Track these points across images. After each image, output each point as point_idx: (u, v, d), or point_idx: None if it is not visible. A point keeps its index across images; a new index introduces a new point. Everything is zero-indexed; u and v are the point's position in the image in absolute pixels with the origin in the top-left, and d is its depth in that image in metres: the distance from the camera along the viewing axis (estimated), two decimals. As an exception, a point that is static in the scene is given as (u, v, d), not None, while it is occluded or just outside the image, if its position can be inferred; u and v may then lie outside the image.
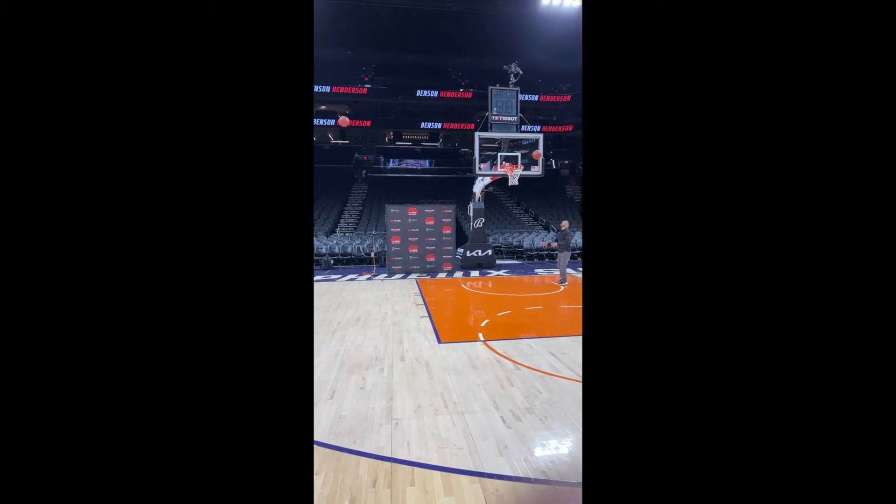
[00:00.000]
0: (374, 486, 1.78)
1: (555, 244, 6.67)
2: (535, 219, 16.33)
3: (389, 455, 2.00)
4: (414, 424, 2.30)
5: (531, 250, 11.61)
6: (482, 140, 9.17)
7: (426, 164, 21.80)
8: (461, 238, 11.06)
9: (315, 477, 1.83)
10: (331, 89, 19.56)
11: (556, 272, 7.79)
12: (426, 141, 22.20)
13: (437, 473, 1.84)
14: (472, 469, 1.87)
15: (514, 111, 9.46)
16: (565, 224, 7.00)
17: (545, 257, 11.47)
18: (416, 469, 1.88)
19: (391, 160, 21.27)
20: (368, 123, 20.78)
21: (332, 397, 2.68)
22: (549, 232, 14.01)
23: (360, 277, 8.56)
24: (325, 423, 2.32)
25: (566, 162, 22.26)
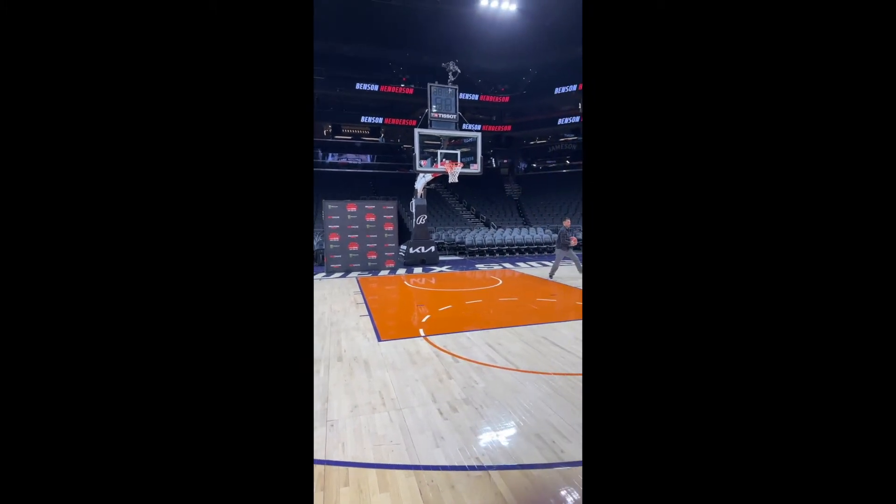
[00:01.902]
0: (305, 491, 1.71)
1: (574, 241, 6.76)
2: (477, 216, 16.75)
3: (323, 458, 1.94)
4: (350, 425, 2.25)
5: (473, 246, 11.89)
6: (423, 137, 9.17)
7: (368, 159, 21.31)
8: (404, 235, 10.99)
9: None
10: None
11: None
12: (367, 135, 21.66)
13: (373, 471, 1.82)
14: (409, 463, 1.88)
15: (454, 109, 9.59)
16: (567, 223, 7.18)
17: (486, 253, 11.81)
18: (351, 469, 1.85)
19: (330, 154, 20.47)
20: (305, 115, 19.74)
21: (261, 404, 2.53)
22: (489, 228, 14.44)
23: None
24: (253, 431, 2.18)
25: (505, 161, 23.07)
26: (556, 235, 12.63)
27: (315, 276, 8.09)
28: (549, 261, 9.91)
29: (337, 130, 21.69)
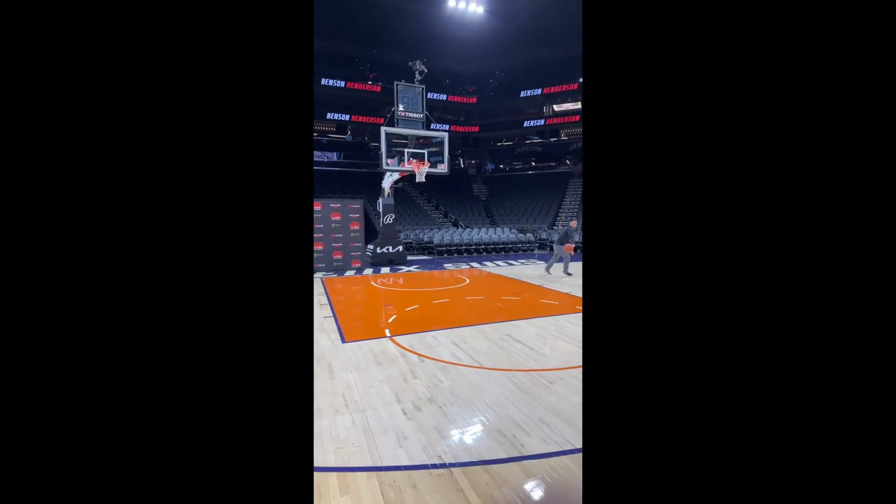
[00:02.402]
0: (261, 499, 1.65)
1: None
2: (445, 215, 16.81)
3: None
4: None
5: (441, 246, 11.93)
6: (390, 135, 9.09)
7: (334, 156, 20.83)
8: (371, 234, 10.84)
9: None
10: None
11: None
12: (333, 132, 21.18)
13: (333, 475, 1.79)
14: (370, 465, 1.86)
15: (421, 108, 9.57)
16: (574, 223, 7.34)
17: (454, 252, 11.88)
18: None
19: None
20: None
21: (215, 411, 2.41)
22: (457, 228, 14.53)
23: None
24: (206, 440, 2.07)
25: (473, 161, 23.31)
26: (521, 235, 12.89)
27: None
28: (515, 260, 10.11)
29: (301, 126, 20.97)
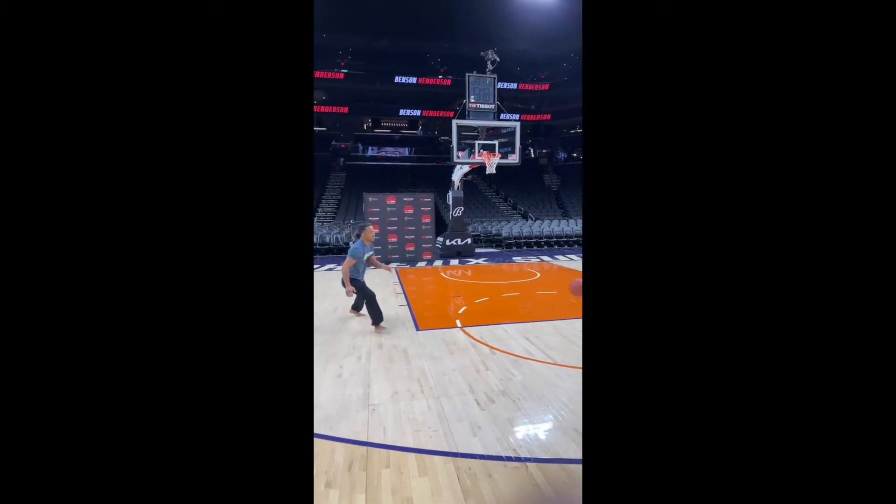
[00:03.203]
0: (349, 469, 1.80)
1: None
2: (514, 207, 16.49)
3: (365, 440, 2.03)
4: (390, 409, 2.33)
5: (510, 238, 11.75)
6: (460, 128, 9.13)
7: (405, 151, 21.56)
8: (441, 227, 11.07)
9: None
10: (305, 74, 18.89)
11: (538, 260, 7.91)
12: (405, 128, 21.91)
13: (412, 455, 1.89)
14: (447, 450, 1.92)
15: (492, 99, 9.45)
16: None
17: (522, 245, 11.64)
18: (392, 452, 1.92)
19: (370, 148, 20.92)
20: (345, 110, 20.31)
21: (308, 386, 2.68)
22: (527, 220, 14.18)
23: (338, 267, 8.46)
24: (301, 411, 2.32)
25: (544, 151, 22.46)
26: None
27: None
28: (590, 254, 9.56)
29: (376, 124, 22.11)
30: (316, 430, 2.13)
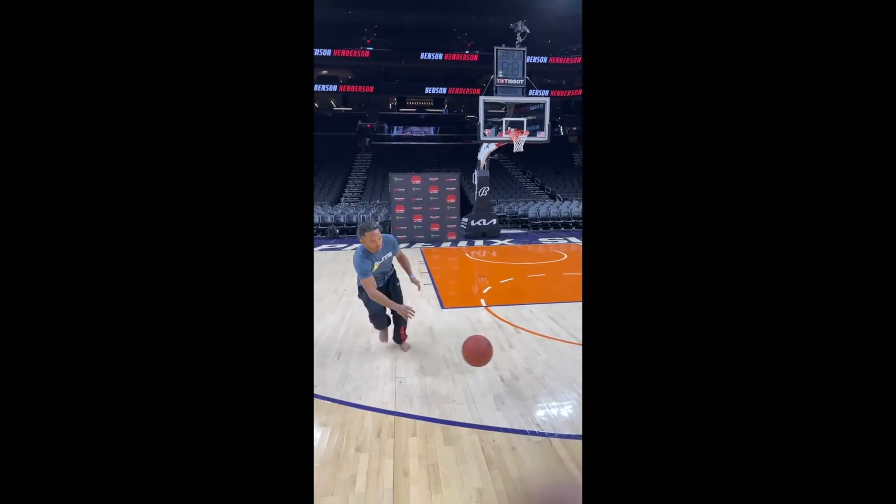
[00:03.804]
0: (378, 436, 1.90)
1: None
2: (542, 187, 16.12)
3: (393, 409, 2.12)
4: (417, 383, 2.41)
5: (536, 219, 11.56)
6: (487, 105, 8.91)
7: (431, 131, 21.33)
8: (466, 207, 11.01)
9: (323, 429, 1.95)
10: (332, 52, 18.88)
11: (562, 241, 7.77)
12: (431, 107, 21.61)
13: (438, 426, 1.96)
14: (471, 422, 1.98)
15: (521, 73, 9.12)
16: None
17: (550, 226, 11.43)
18: (419, 422, 2.00)
19: (395, 128, 20.82)
20: (371, 89, 20.20)
21: (338, 358, 2.80)
22: (554, 200, 13.85)
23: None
24: (332, 381, 2.43)
25: (574, 129, 21.62)
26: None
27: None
28: (620, 235, 9.28)
29: (402, 103, 21.91)
30: (347, 399, 2.24)
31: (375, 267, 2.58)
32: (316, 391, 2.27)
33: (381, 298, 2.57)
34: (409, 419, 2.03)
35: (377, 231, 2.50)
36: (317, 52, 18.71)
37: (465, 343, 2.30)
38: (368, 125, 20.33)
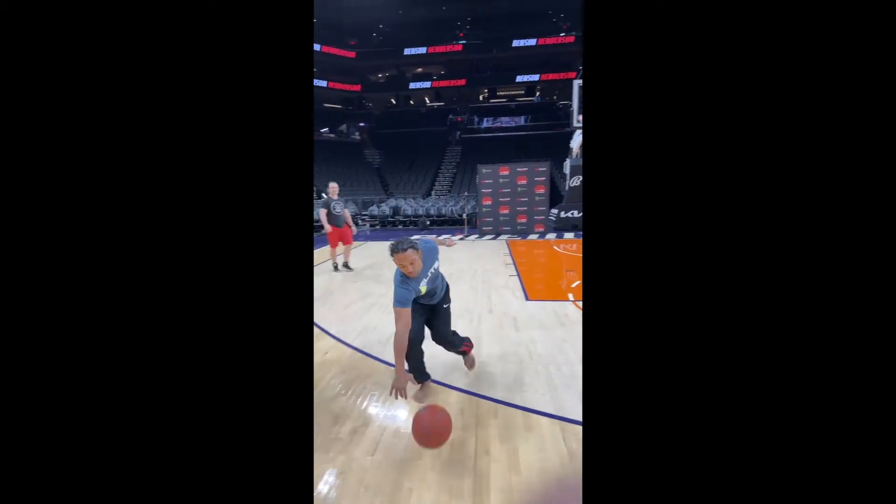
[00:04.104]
0: (462, 413, 2.01)
1: None
2: (643, 176, 14.64)
3: (476, 391, 2.21)
4: (499, 369, 2.47)
5: (635, 211, 10.57)
6: (582, 88, 8.37)
7: (521, 120, 20.83)
8: (556, 198, 10.58)
9: (408, 403, 2.13)
10: (427, 50, 19.59)
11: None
12: (521, 96, 21.09)
13: (519, 412, 1.99)
14: (553, 413, 1.97)
15: (623, 52, 8.35)
16: None
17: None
18: (500, 406, 2.06)
19: (485, 119, 20.81)
20: (463, 82, 20.47)
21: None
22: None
23: (453, 238, 8.90)
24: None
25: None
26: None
27: (469, 238, 8.69)
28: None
29: (492, 94, 21.80)
30: (433, 377, 2.40)
31: (423, 291, 1.95)
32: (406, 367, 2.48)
33: (398, 344, 1.79)
34: (491, 402, 2.11)
35: (409, 253, 1.79)
36: (412, 50, 19.60)
37: (418, 415, 1.65)
38: (459, 118, 20.69)
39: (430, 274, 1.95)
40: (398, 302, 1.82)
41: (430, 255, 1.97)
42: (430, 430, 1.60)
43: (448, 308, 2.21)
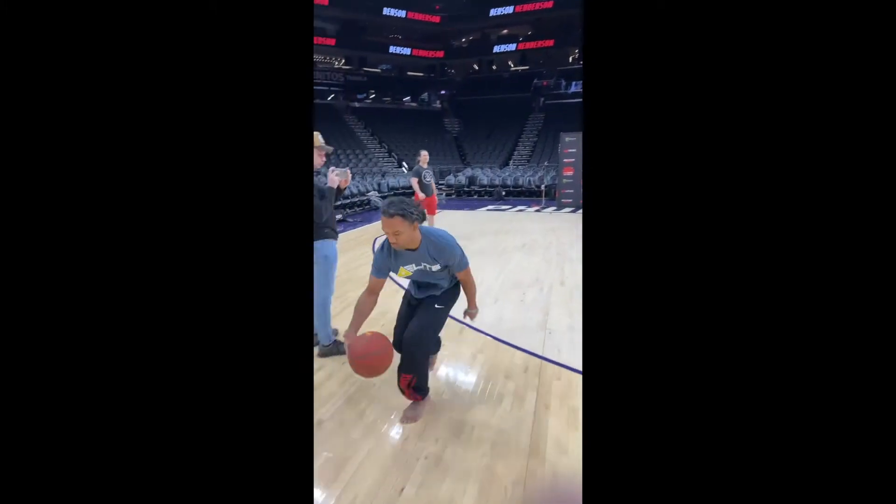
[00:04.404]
0: (525, 371, 2.12)
1: None
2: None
3: (541, 354, 2.29)
4: (566, 337, 2.50)
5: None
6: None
7: (614, 84, 18.91)
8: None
9: (475, 357, 2.29)
10: (514, 9, 18.53)
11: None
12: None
13: (580, 377, 2.03)
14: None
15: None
16: None
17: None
18: (563, 370, 2.12)
19: (573, 83, 19.32)
20: (551, 43, 19.10)
21: (494, 303, 3.12)
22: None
23: (529, 209, 8.74)
24: (488, 320, 2.76)
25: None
26: None
27: (546, 210, 8.45)
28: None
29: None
30: (499, 337, 2.52)
31: (402, 273, 1.70)
32: (474, 324, 2.64)
33: (358, 311, 1.66)
34: (554, 365, 2.17)
35: (396, 220, 1.52)
36: (497, 10, 18.68)
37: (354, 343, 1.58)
38: (545, 82, 19.50)
39: (422, 266, 1.66)
40: (373, 268, 1.67)
41: (435, 250, 1.62)
42: (366, 356, 1.55)
43: (440, 310, 1.76)
